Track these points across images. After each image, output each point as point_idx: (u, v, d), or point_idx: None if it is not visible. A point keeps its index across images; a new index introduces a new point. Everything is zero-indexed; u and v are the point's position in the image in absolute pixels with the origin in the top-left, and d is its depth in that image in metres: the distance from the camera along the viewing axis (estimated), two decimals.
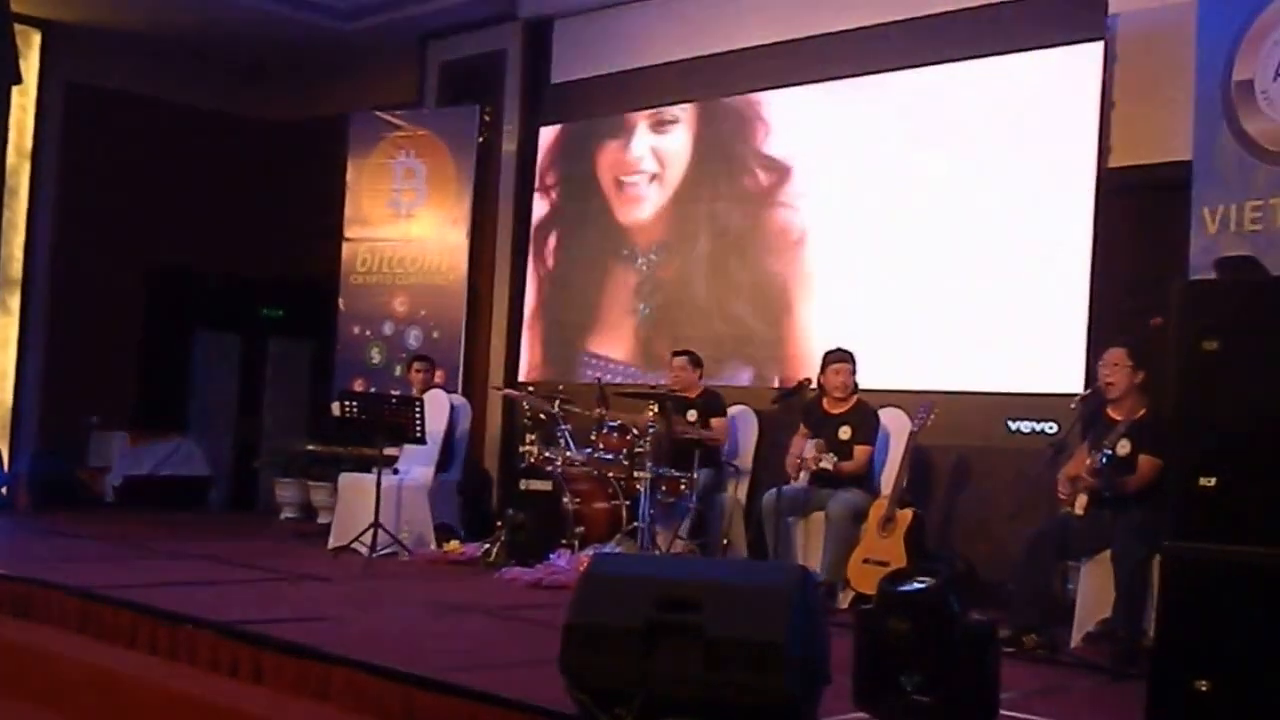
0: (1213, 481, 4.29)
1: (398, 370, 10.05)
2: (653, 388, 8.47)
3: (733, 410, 8.34)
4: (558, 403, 8.51)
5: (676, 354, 8.45)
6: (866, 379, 7.60)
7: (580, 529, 7.82)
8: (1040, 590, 5.97)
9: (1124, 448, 5.98)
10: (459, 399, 9.55)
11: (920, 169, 8.21)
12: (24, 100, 11.16)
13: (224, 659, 5.13)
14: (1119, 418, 6.11)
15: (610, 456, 8.05)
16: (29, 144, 11.27)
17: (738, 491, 8.16)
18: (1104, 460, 5.85)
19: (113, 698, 4.96)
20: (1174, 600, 4.37)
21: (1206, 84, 6.34)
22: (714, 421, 8.13)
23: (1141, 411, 6.09)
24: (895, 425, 7.41)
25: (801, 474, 7.33)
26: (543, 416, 8.53)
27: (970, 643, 4.12)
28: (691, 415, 8.11)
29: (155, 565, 7.65)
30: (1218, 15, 6.32)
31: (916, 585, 4.11)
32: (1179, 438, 4.54)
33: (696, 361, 8.37)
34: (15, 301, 11.26)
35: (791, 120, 8.92)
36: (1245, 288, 4.99)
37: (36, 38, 11.15)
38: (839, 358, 7.49)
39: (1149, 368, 6.09)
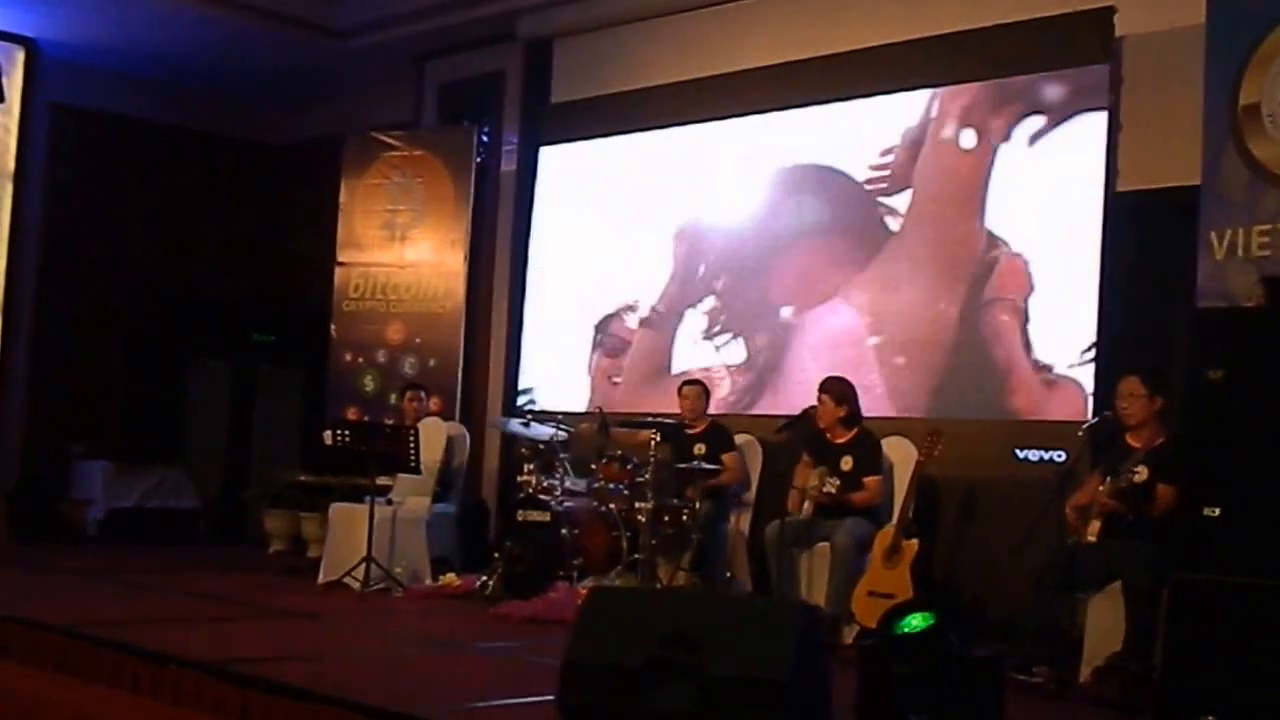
0: (1217, 511, 4.40)
1: (392, 399, 10.11)
2: (654, 417, 8.53)
3: (737, 440, 8.37)
4: (556, 432, 8.59)
5: (689, 383, 8.51)
6: (872, 407, 7.70)
7: (579, 561, 7.90)
8: (1048, 623, 6.04)
9: (1141, 475, 6.07)
10: (456, 428, 9.59)
11: (924, 190, 8.33)
12: (7, 121, 11.24)
13: (209, 699, 5.12)
14: (1137, 445, 6.21)
15: (611, 487, 8.10)
16: (11, 165, 11.33)
17: (741, 523, 8.20)
18: (1124, 485, 5.97)
19: None
20: (1180, 632, 4.47)
21: (1214, 107, 6.46)
22: (725, 458, 8.14)
23: (1160, 439, 6.18)
24: (901, 454, 7.50)
25: (805, 505, 7.42)
26: (541, 446, 8.59)
27: (975, 679, 4.22)
28: (699, 449, 8.15)
29: (138, 601, 7.66)
30: (1225, 39, 6.44)
31: (915, 626, 4.20)
32: (1185, 467, 4.66)
33: (707, 392, 8.44)
34: None
35: (796, 139, 9.06)
36: (1252, 317, 5.11)
37: (20, 56, 11.21)
38: (819, 389, 7.60)
39: (1166, 395, 6.19)
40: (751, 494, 8.33)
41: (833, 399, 7.53)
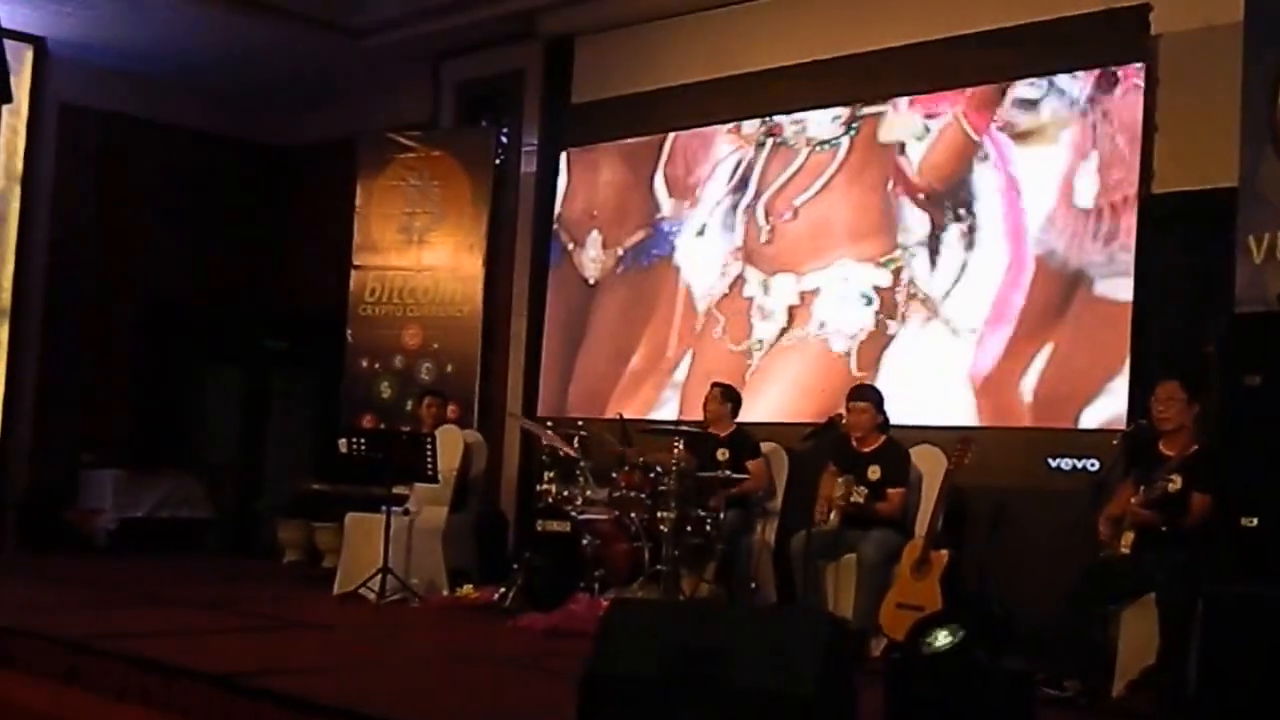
0: (1255, 521, 4.42)
1: (409, 405, 10.16)
2: (677, 423, 8.54)
3: (763, 448, 8.39)
4: (577, 439, 8.62)
5: (716, 385, 8.54)
6: (901, 415, 7.72)
7: (600, 572, 7.92)
8: (1081, 635, 6.07)
9: (1175, 484, 6.09)
10: (474, 435, 9.64)
11: (955, 193, 8.36)
12: (15, 121, 11.28)
13: (221, 712, 5.16)
14: (1171, 453, 6.23)
15: (632, 496, 8.12)
16: (19, 167, 11.41)
17: (766, 533, 8.21)
18: (1157, 494, 5.99)
19: None
20: (1216, 645, 4.48)
21: (1252, 108, 6.46)
22: (750, 465, 8.17)
23: (1194, 447, 6.20)
24: (930, 463, 7.53)
25: (832, 514, 7.44)
26: (561, 454, 8.61)
27: (1005, 695, 4.25)
28: (722, 455, 8.18)
29: (149, 613, 7.73)
30: (1264, 37, 6.43)
31: (941, 642, 4.23)
32: (1222, 475, 4.66)
33: (730, 395, 8.45)
34: (4, 332, 11.37)
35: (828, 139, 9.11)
36: None
37: (28, 55, 11.25)
38: (857, 396, 7.64)
39: (1204, 401, 6.21)
40: (777, 503, 8.34)
41: (869, 405, 7.56)
